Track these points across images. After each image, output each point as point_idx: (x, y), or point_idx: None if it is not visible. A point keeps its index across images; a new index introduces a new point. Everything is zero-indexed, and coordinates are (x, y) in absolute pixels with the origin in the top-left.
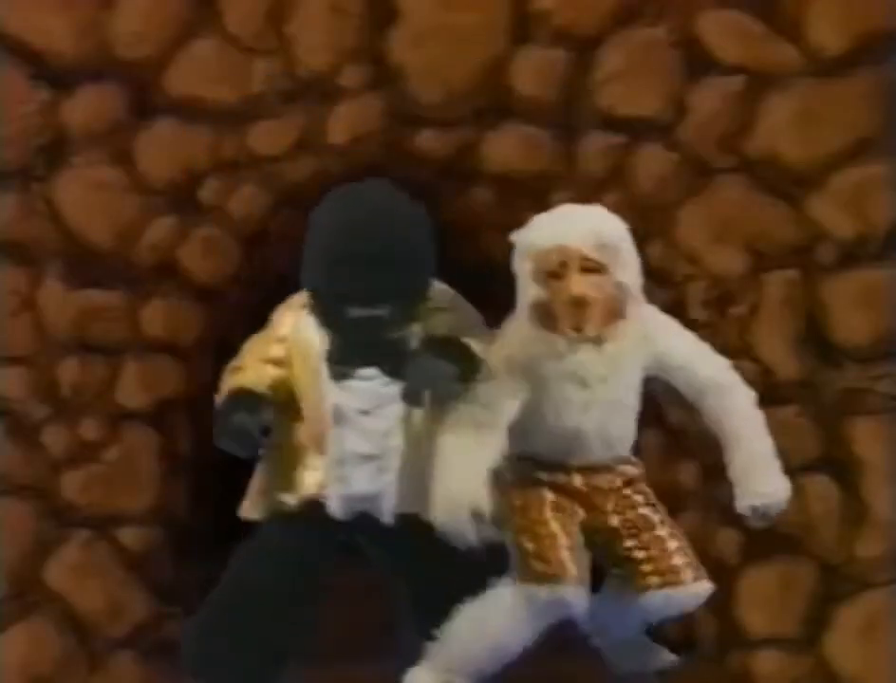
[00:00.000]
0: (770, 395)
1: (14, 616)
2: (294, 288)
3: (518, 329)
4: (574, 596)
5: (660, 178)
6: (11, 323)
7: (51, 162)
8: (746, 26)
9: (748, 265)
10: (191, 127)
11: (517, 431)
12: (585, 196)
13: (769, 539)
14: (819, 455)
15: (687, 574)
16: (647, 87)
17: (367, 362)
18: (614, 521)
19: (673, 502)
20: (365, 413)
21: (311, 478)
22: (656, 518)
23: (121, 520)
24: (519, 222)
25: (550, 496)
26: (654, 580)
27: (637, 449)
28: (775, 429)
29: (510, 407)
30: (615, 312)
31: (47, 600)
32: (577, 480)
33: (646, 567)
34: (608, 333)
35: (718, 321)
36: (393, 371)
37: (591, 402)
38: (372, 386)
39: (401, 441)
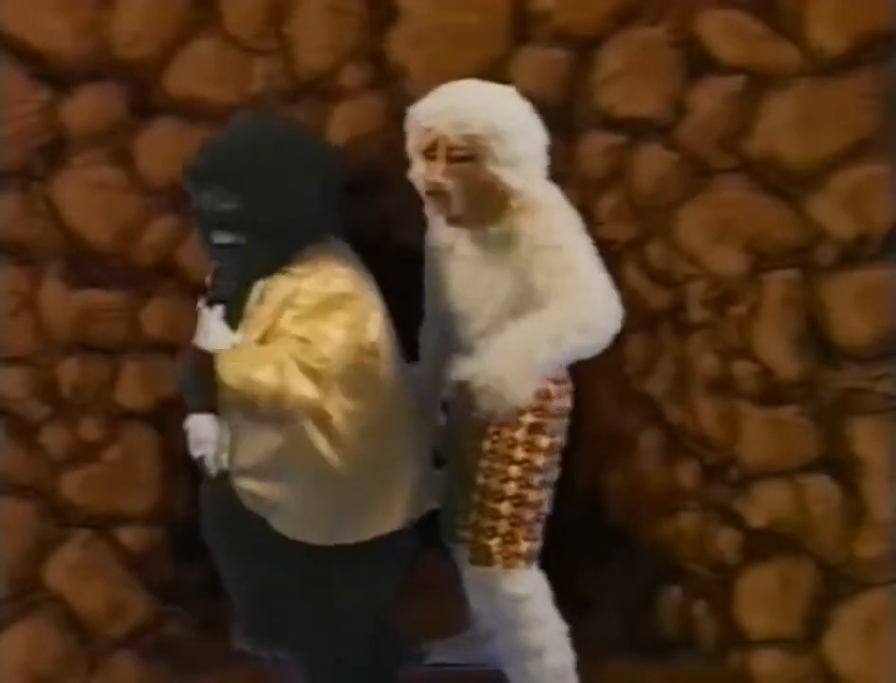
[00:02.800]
0: (770, 395)
1: (14, 616)
2: None
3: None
4: None
5: (660, 178)
6: (11, 323)
7: (51, 162)
8: (746, 26)
9: (748, 265)
10: (191, 127)
11: None
12: (585, 196)
13: (769, 539)
14: (819, 455)
15: (497, 558)
16: (647, 87)
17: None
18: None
19: (673, 502)
20: None
21: None
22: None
23: (120, 520)
24: None
25: None
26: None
27: (636, 448)
28: (775, 429)
29: None
30: (489, 203)
31: (47, 600)
32: None
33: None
34: (481, 224)
35: (718, 321)
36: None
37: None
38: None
39: None
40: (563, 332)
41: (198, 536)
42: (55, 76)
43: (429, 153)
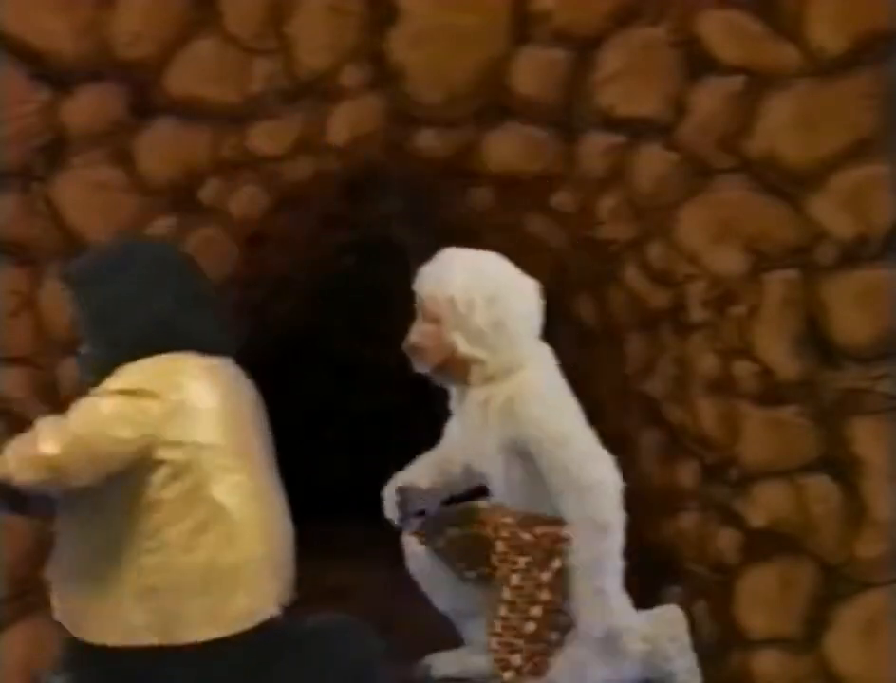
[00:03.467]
0: (770, 395)
1: (14, 616)
2: (294, 287)
3: None
4: None
5: (660, 178)
6: (11, 323)
7: (51, 162)
8: (746, 26)
9: (748, 265)
10: (191, 127)
11: None
12: (585, 196)
13: (769, 539)
14: (819, 455)
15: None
16: (647, 87)
17: None
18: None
19: (673, 502)
20: None
21: None
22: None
23: None
24: (519, 222)
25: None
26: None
27: (636, 448)
28: (775, 429)
29: None
30: (459, 366)
31: (47, 600)
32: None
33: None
34: (467, 381)
35: (718, 321)
36: None
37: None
38: None
39: None
40: (598, 557)
41: None
42: (55, 76)
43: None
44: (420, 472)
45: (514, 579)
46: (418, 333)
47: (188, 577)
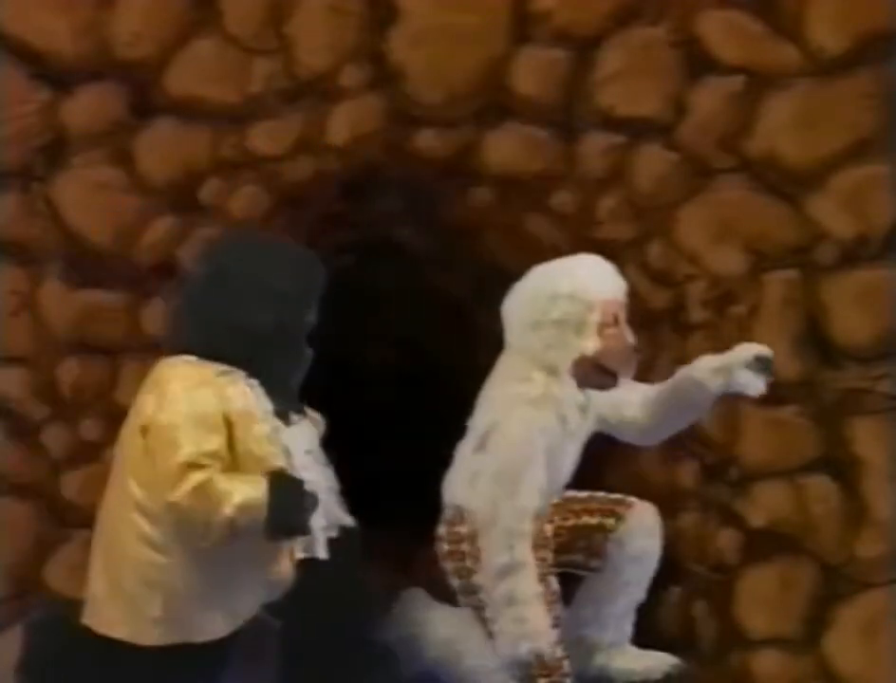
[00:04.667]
0: (770, 395)
1: (14, 616)
2: None
3: (552, 383)
4: None
5: (660, 178)
6: (11, 323)
7: (51, 162)
8: (746, 26)
9: (748, 265)
10: (191, 127)
11: None
12: (585, 196)
13: (769, 539)
14: (819, 455)
15: None
16: (647, 87)
17: None
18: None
19: (673, 502)
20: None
21: None
22: None
23: None
24: (519, 222)
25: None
26: None
27: (636, 448)
28: (775, 429)
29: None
30: None
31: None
32: (548, 529)
33: None
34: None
35: (718, 321)
36: None
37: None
38: None
39: None
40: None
41: None
42: (55, 76)
43: (606, 324)
44: None
45: None
46: (632, 337)
47: None
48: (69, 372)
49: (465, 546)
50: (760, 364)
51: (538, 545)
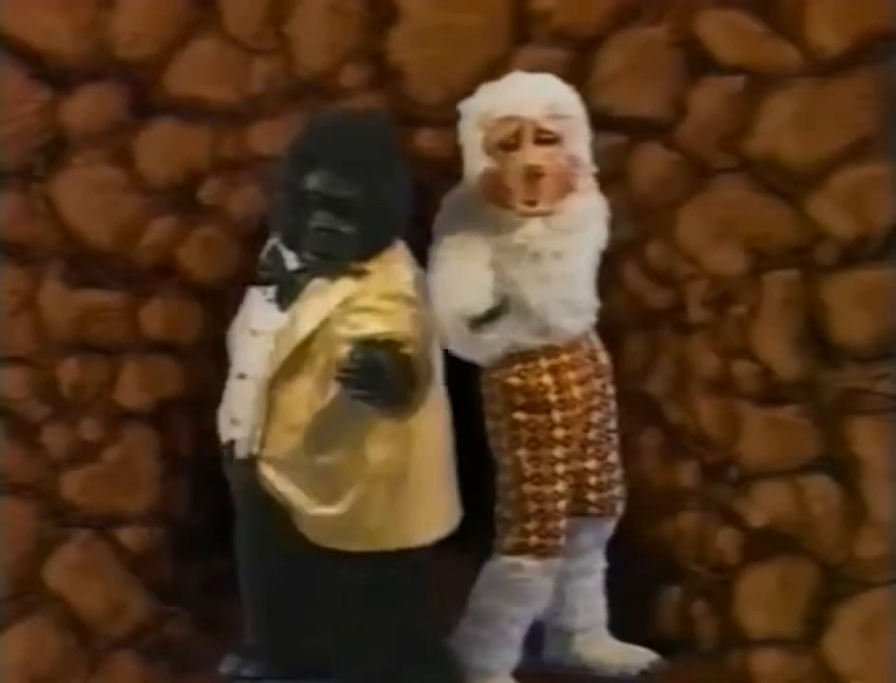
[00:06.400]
0: (770, 395)
1: (14, 616)
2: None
3: (466, 203)
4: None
5: (660, 178)
6: (11, 323)
7: (51, 162)
8: (746, 26)
9: (748, 265)
10: (191, 127)
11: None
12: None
13: (769, 539)
14: (819, 455)
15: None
16: (647, 87)
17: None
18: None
19: (673, 502)
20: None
21: None
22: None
23: (121, 520)
24: None
25: (556, 416)
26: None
27: (636, 448)
28: (775, 429)
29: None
30: (566, 186)
31: (47, 600)
32: (564, 357)
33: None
34: (559, 207)
35: (719, 321)
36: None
37: (547, 277)
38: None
39: None
40: None
41: (198, 536)
42: (55, 76)
43: (507, 143)
44: None
45: None
46: (538, 156)
47: None
48: (69, 372)
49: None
50: None
51: None
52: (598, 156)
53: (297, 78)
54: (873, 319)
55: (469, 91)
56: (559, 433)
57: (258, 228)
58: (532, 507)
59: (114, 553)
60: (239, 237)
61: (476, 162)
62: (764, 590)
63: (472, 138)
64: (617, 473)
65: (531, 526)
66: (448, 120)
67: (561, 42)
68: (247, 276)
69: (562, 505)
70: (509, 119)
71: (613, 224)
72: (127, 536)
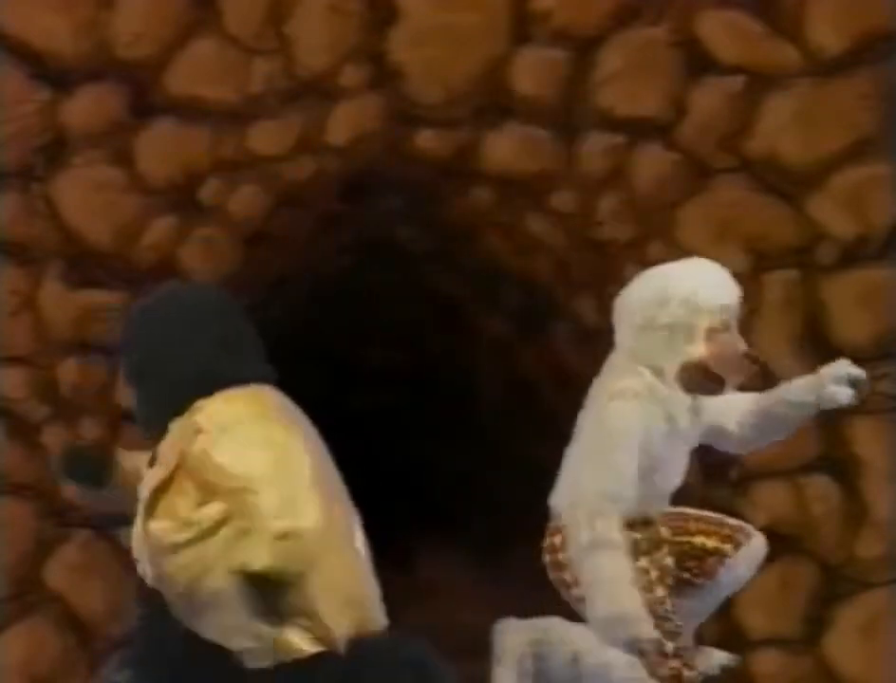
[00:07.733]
0: None
1: (14, 616)
2: (293, 287)
3: (658, 381)
4: None
5: (660, 178)
6: (11, 323)
7: (51, 162)
8: (746, 26)
9: (748, 265)
10: (191, 127)
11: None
12: (585, 196)
13: (769, 539)
14: (819, 455)
15: None
16: (647, 87)
17: None
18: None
19: (673, 502)
20: None
21: None
22: None
23: (121, 520)
24: (519, 222)
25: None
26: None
27: None
28: None
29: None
30: None
31: (47, 600)
32: (664, 531)
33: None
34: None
35: None
36: None
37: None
38: None
39: None
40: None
41: None
42: (55, 76)
43: (715, 329)
44: None
45: None
46: (743, 343)
47: None
48: (69, 372)
49: (560, 556)
50: (852, 382)
51: (652, 548)
52: (598, 156)
53: (297, 78)
54: (873, 319)
55: (469, 91)
56: None
57: (258, 228)
58: None
59: (114, 553)
60: (239, 237)
61: (691, 348)
62: (764, 590)
63: (694, 323)
64: None
65: None
66: (448, 120)
67: (561, 42)
68: (247, 276)
69: None
70: (725, 307)
71: (613, 224)
72: (127, 536)
